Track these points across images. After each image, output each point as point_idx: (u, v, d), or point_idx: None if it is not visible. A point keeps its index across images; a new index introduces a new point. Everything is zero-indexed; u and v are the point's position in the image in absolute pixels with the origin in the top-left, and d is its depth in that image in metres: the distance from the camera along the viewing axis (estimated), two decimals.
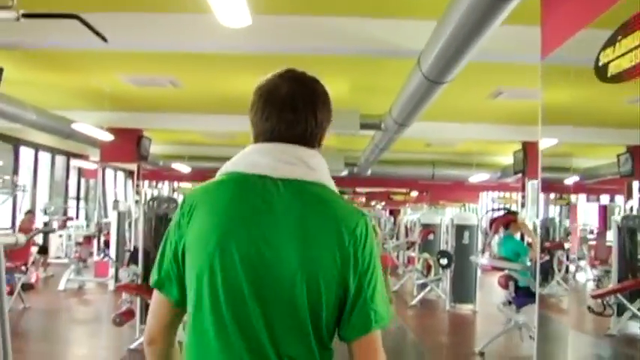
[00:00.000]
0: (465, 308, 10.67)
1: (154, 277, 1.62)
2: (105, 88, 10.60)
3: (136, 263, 7.16)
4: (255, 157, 1.58)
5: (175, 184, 23.43)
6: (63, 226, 15.52)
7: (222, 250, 1.49)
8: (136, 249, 7.38)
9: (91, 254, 13.62)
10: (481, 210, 25.77)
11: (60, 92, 11.15)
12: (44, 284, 12.45)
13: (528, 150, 13.52)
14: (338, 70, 9.45)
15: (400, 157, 18.00)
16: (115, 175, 22.25)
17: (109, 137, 11.59)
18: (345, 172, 17.59)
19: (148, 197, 9.98)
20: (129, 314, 6.76)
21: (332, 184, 1.60)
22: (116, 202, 11.26)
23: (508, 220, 7.33)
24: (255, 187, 1.53)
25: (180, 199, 7.43)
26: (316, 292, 1.46)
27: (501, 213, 7.71)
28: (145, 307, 7.00)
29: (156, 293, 1.62)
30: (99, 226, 14.20)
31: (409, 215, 19.32)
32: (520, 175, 14.32)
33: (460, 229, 10.79)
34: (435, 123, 12.60)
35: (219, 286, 1.49)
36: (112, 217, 12.04)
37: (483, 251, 7.70)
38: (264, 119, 1.59)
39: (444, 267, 10.62)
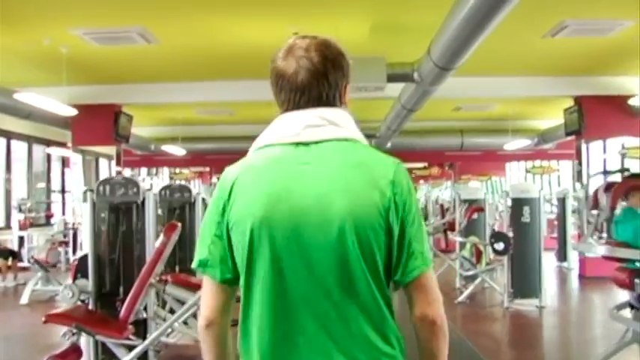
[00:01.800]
0: (528, 304, 8.45)
1: (196, 258, 1.63)
2: (61, 50, 8.41)
3: (87, 276, 4.98)
4: (282, 128, 1.59)
5: (175, 170, 21.08)
6: (26, 225, 13.32)
7: (270, 222, 1.49)
8: (85, 255, 5.19)
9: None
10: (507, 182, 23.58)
11: (6, 60, 8.94)
12: (13, 295, 10.34)
13: (585, 106, 11.20)
14: (355, 5, 7.24)
15: (424, 126, 15.75)
16: (110, 165, 20.20)
17: (70, 112, 9.39)
18: None
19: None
20: (72, 354, 4.56)
21: (362, 137, 1.61)
22: (87, 192, 9.07)
23: (630, 187, 5.04)
24: (289, 155, 1.55)
25: (141, 184, 5.18)
26: (367, 242, 1.48)
27: (616, 177, 5.39)
28: (103, 345, 4.79)
29: (204, 277, 1.62)
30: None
31: (432, 191, 17.07)
32: (573, 137, 11.96)
33: (518, 205, 8.50)
34: (470, 79, 10.43)
35: (271, 257, 1.50)
36: (84, 212, 9.83)
37: (593, 234, 5.48)
38: (279, 90, 1.61)
39: (499, 253, 8.39)
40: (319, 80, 1.57)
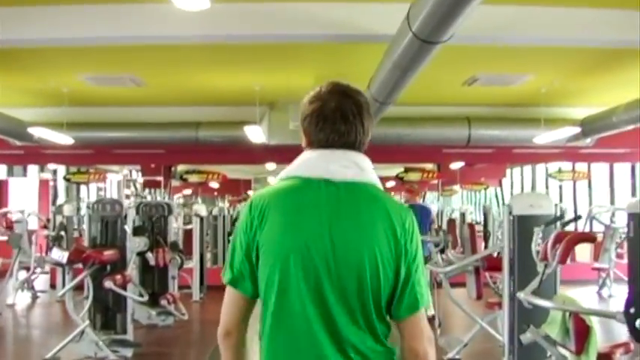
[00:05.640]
0: None
1: (227, 275, 1.87)
2: None
3: None
4: (314, 163, 1.87)
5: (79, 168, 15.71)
6: None
7: (297, 248, 1.77)
8: None
9: None
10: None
11: None
12: None
13: None
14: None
15: (417, 112, 11.20)
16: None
17: None
18: None
19: None
20: None
21: (379, 182, 1.90)
22: None
23: None
24: (318, 189, 1.83)
25: None
26: (377, 278, 1.77)
27: None
28: None
29: (230, 290, 1.86)
30: None
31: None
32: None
33: None
34: (513, 8, 5.96)
35: (296, 279, 1.77)
36: None
37: None
38: (318, 130, 1.88)
39: None
40: (357, 125, 1.88)
